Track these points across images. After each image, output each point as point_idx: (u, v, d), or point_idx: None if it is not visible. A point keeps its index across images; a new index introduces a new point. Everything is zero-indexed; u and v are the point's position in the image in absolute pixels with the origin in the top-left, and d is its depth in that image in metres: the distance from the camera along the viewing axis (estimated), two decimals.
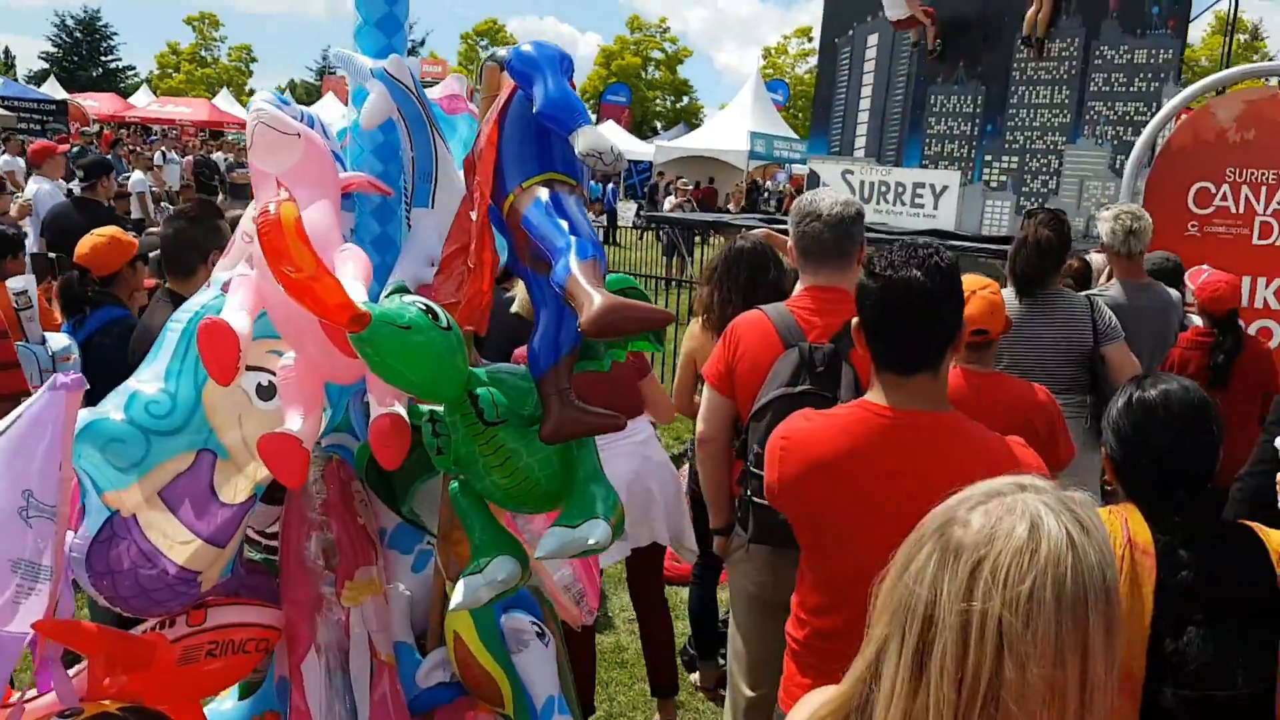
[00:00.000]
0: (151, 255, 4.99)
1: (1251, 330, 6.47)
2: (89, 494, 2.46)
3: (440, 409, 2.46)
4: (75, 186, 8.37)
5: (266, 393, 2.54)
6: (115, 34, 66.49)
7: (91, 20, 65.02)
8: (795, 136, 30.40)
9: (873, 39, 15.17)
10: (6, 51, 62.39)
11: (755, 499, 3.30)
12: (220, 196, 16.11)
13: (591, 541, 2.30)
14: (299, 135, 2.56)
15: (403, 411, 2.47)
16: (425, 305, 2.26)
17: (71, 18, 64.91)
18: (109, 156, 17.77)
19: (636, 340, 2.58)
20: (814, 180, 13.96)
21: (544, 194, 2.36)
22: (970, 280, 3.67)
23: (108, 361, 4.23)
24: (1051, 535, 1.25)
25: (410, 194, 2.84)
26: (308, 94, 54.28)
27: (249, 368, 2.50)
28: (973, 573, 1.26)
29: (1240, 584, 2.38)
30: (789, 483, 2.62)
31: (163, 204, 15.40)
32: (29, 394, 4.09)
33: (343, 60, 2.83)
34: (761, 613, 3.70)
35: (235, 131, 34.94)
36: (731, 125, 28.56)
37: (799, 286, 3.77)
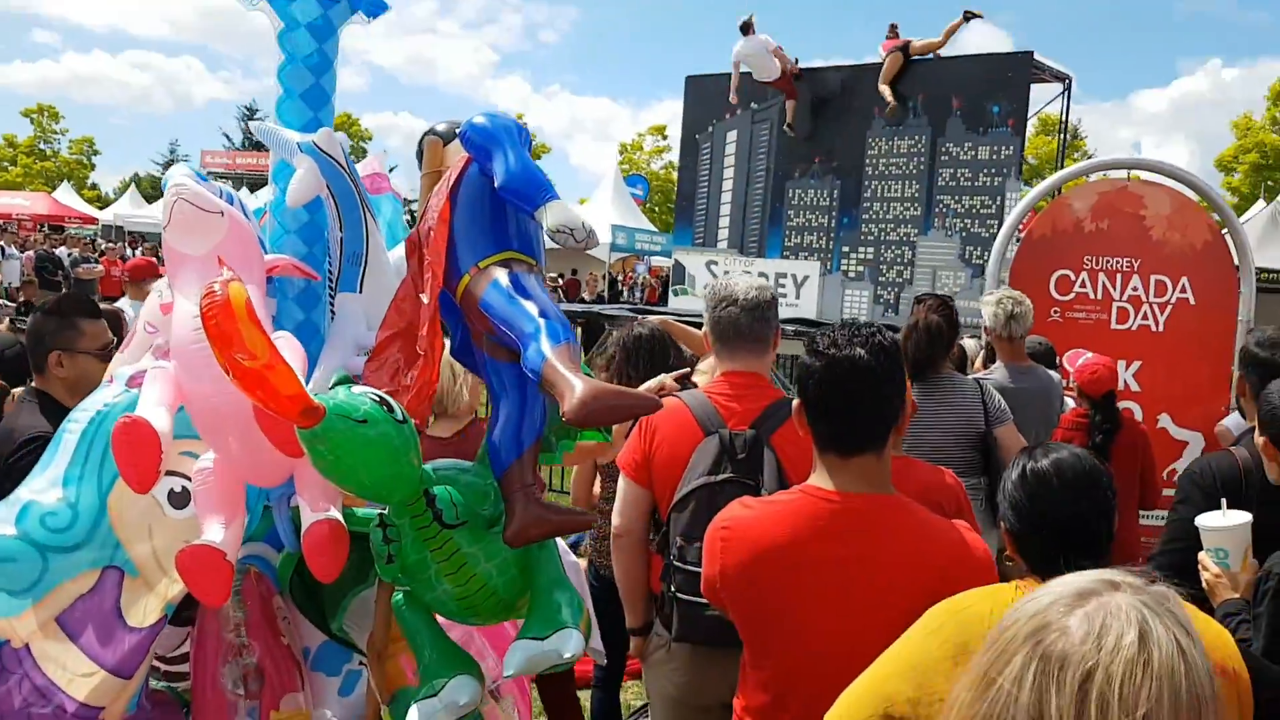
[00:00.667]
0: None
1: None
2: None
3: (387, 511, 2.24)
4: None
5: (180, 500, 2.29)
6: None
7: None
8: (654, 229, 30.91)
9: (732, 135, 15.64)
10: None
11: (680, 594, 3.16)
12: (64, 292, 15.30)
13: (567, 654, 2.13)
14: (222, 213, 2.36)
15: (339, 517, 2.25)
16: (378, 397, 2.08)
17: None
18: None
19: (585, 430, 2.43)
20: (679, 271, 14.17)
21: (503, 275, 2.22)
22: None
23: None
24: (1162, 644, 1.17)
25: (336, 278, 2.65)
26: (153, 187, 52.62)
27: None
28: (1083, 685, 1.16)
29: None
30: (733, 574, 2.49)
31: (2, 301, 14.52)
32: None
33: (266, 134, 2.64)
34: (685, 717, 3.53)
35: (77, 225, 33.47)
36: (592, 219, 28.75)
37: (716, 372, 3.70)
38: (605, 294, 26.40)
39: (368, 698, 2.63)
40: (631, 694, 5.77)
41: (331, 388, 2.16)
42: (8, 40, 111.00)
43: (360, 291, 2.64)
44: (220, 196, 2.44)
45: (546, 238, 2.27)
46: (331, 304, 2.69)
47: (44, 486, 2.27)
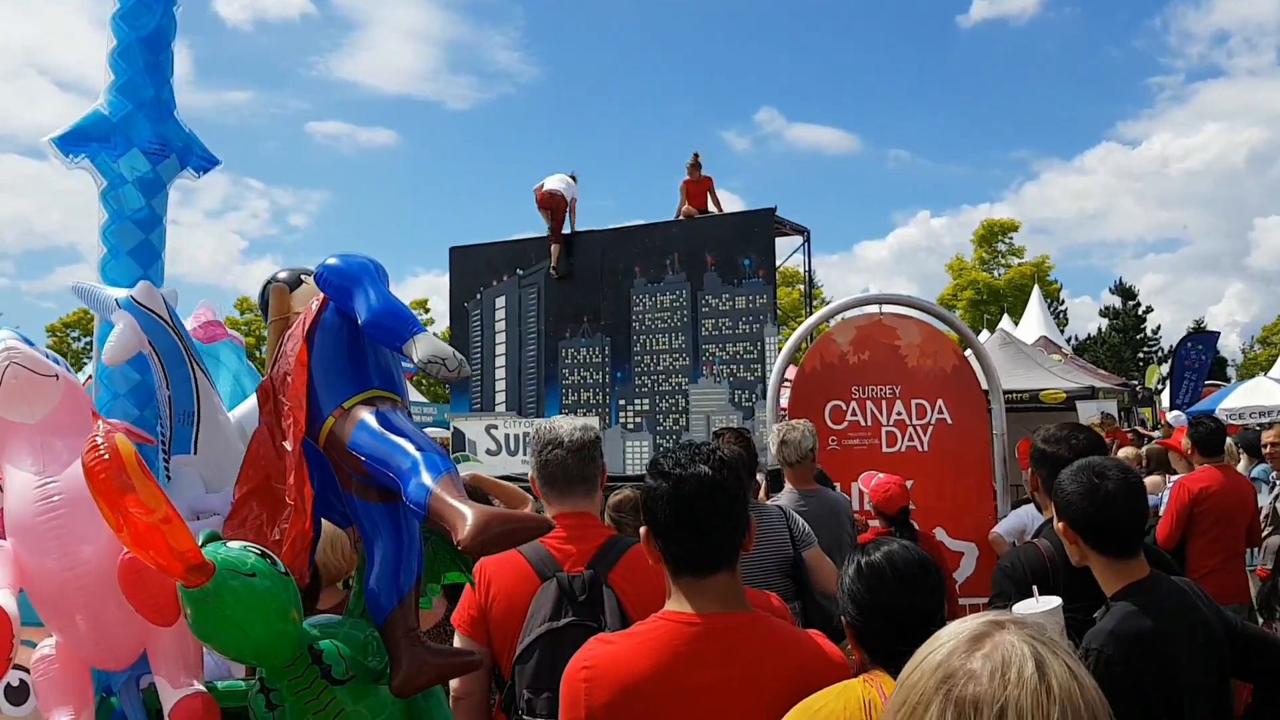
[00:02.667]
0: None
1: None
2: None
3: (263, 676, 2.10)
4: None
5: (18, 695, 2.06)
6: None
7: None
8: (425, 400, 30.57)
9: (500, 300, 15.91)
10: None
11: None
12: None
13: None
14: (57, 376, 2.22)
15: (205, 690, 2.08)
16: (259, 550, 1.99)
17: None
18: None
19: (451, 572, 2.37)
20: (459, 438, 14.12)
21: (369, 414, 2.18)
22: None
23: None
24: (1057, 671, 1.28)
25: (169, 441, 2.52)
26: None
27: None
28: None
29: None
30: (600, 715, 2.43)
31: None
32: None
33: (83, 293, 2.52)
34: None
35: None
36: None
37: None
38: None
39: None
40: None
41: (201, 545, 2.03)
42: None
43: (195, 452, 2.52)
44: (54, 363, 2.30)
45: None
46: (166, 469, 2.55)
47: None
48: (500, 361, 15.87)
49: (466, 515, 1.89)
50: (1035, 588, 3.45)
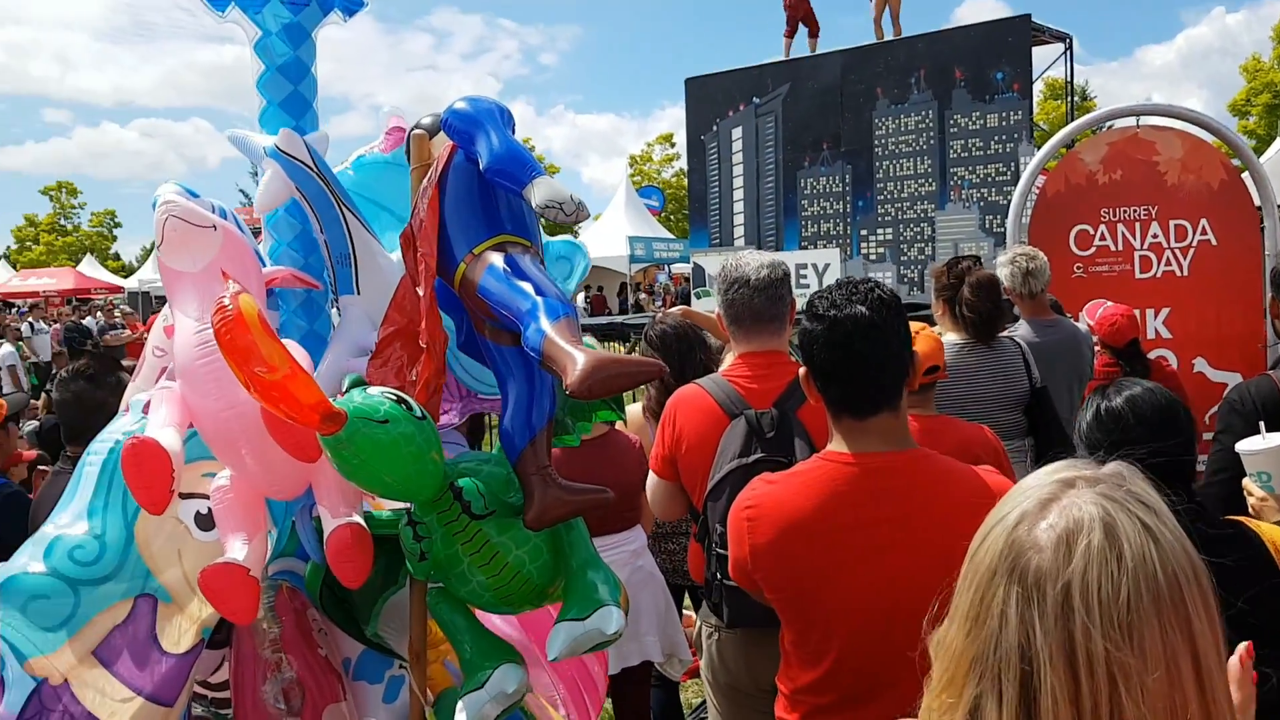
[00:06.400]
0: (28, 428, 4.62)
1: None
2: (7, 664, 2.14)
3: (415, 509, 2.22)
4: None
5: (206, 522, 2.26)
6: None
7: None
8: (672, 236, 30.87)
9: (736, 132, 15.62)
10: None
11: (727, 581, 3.11)
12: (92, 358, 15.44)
13: (610, 632, 2.10)
14: (214, 227, 2.34)
15: (361, 521, 2.22)
16: (396, 396, 2.06)
17: None
18: None
19: (600, 410, 2.40)
20: (699, 274, 14.15)
21: (498, 258, 2.19)
22: None
23: None
24: (1129, 533, 1.13)
25: (333, 282, 2.64)
26: None
27: (183, 495, 2.23)
28: (1064, 602, 1.12)
29: (1245, 576, 2.30)
30: (763, 553, 2.43)
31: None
32: None
33: (238, 142, 2.63)
34: (742, 703, 3.47)
35: (103, 296, 33.89)
36: (608, 233, 28.89)
37: (732, 355, 3.65)
38: (628, 305, 26.37)
39: (411, 702, 2.61)
40: (691, 692, 5.71)
41: (345, 391, 2.14)
42: (21, 123, 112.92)
43: (357, 292, 2.62)
44: (214, 212, 2.43)
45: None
46: (335, 308, 2.68)
47: (69, 520, 2.26)
48: (738, 195, 15.72)
49: (576, 359, 1.88)
50: (1263, 423, 3.15)
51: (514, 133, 2.26)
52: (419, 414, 2.09)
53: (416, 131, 2.38)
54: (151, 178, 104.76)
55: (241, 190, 61.43)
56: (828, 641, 2.40)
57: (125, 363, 6.65)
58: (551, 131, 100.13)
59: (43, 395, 10.46)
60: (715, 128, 15.91)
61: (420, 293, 2.25)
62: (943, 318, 5.04)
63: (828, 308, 2.36)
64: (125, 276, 41.97)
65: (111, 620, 2.19)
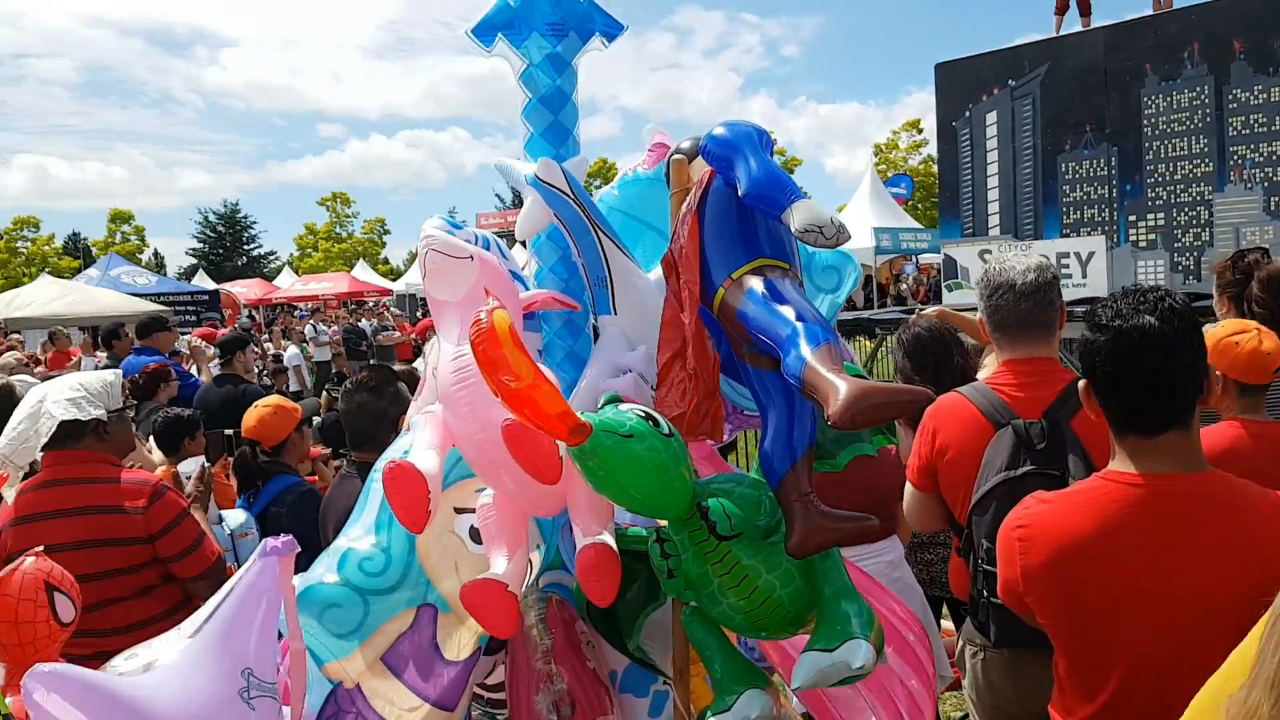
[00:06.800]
0: (315, 421, 4.97)
1: None
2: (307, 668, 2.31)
3: (665, 527, 2.25)
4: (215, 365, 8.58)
5: (480, 536, 2.37)
6: (255, 223, 70.84)
7: (232, 213, 69.41)
8: (919, 226, 29.97)
9: (991, 116, 14.96)
10: (156, 254, 66.58)
11: (994, 599, 2.97)
12: (369, 361, 16.63)
13: (856, 666, 2.04)
14: (471, 257, 2.46)
15: (610, 540, 2.25)
16: (644, 412, 2.10)
17: (213, 213, 69.46)
18: (247, 332, 18.75)
19: (876, 435, 2.35)
20: (950, 265, 13.67)
21: (757, 283, 2.19)
22: (1234, 324, 3.37)
23: (284, 530, 4.16)
24: None
25: (592, 304, 2.72)
26: None
27: (459, 510, 2.36)
28: None
29: None
30: (1038, 575, 2.29)
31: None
32: None
33: (503, 170, 2.75)
34: None
35: (375, 298, 36.38)
36: (852, 225, 28.34)
37: (995, 362, 3.48)
38: (874, 299, 25.84)
39: (675, 717, 2.65)
40: (950, 705, 5.53)
41: (600, 407, 2.20)
42: (300, 138, 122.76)
43: (614, 312, 2.68)
44: (475, 242, 2.55)
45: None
46: (595, 329, 2.76)
47: (359, 534, 2.43)
48: (992, 182, 15.08)
49: (839, 389, 1.84)
50: None
51: (772, 155, 2.24)
52: (666, 431, 2.11)
53: (676, 157, 2.42)
54: (416, 185, 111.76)
55: (497, 195, 64.53)
56: (1105, 672, 2.26)
57: (398, 367, 7.10)
58: (793, 124, 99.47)
59: (323, 394, 11.25)
60: (968, 113, 15.32)
61: (685, 319, 2.27)
62: (1227, 316, 4.63)
63: (1112, 317, 2.22)
64: (394, 280, 44.85)
65: (398, 628, 2.34)
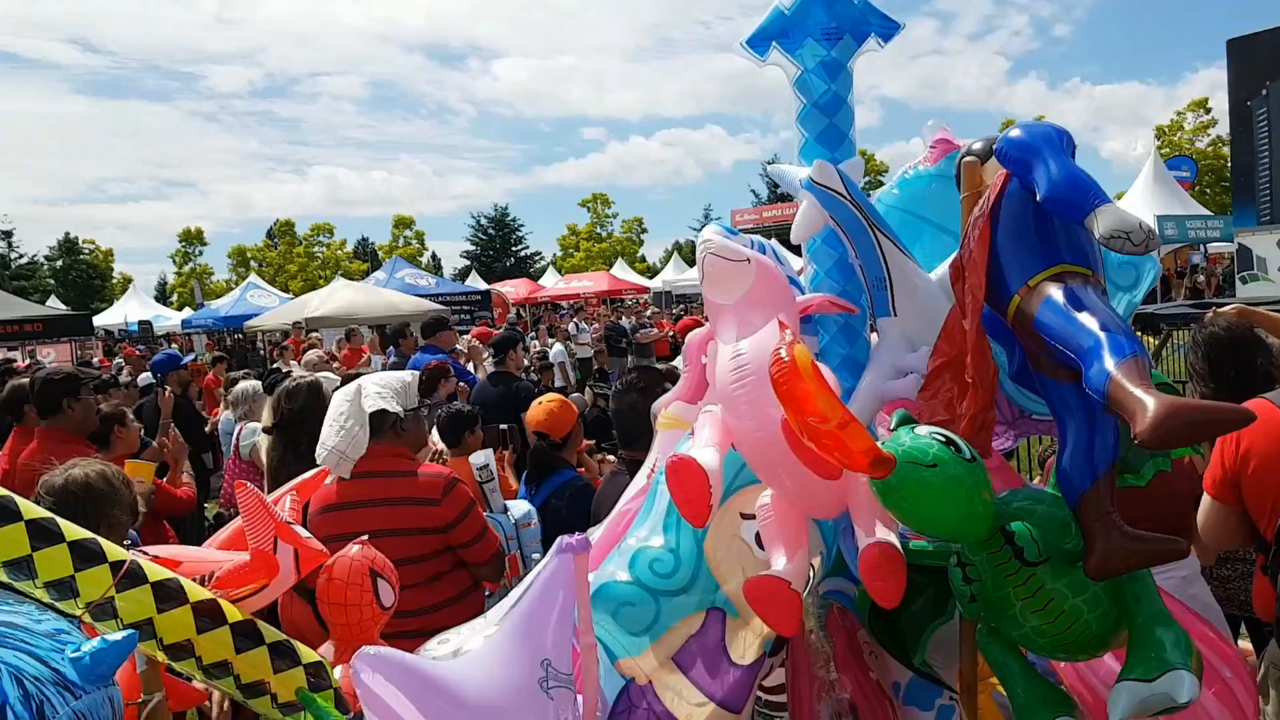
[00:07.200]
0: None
1: None
2: (600, 663, 2.40)
3: (963, 549, 2.20)
4: (489, 363, 9.02)
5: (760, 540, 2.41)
6: (522, 225, 74.11)
7: (502, 216, 72.91)
8: (1209, 213, 27.66)
9: None
10: (434, 256, 70.97)
11: None
12: (628, 357, 17.08)
13: (1183, 700, 1.94)
14: (748, 261, 2.50)
15: (893, 539, 2.21)
16: (944, 437, 2.06)
17: (485, 217, 73.23)
18: (516, 330, 19.62)
19: (1177, 449, 2.21)
20: (1245, 255, 12.62)
21: (1056, 291, 2.10)
22: None
23: (563, 523, 4.36)
24: None
25: (870, 305, 2.69)
26: (691, 251, 57.36)
27: (745, 516, 2.40)
28: None
29: None
30: None
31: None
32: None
33: (777, 175, 2.78)
34: None
35: (633, 295, 37.34)
36: (1133, 212, 26.56)
37: None
38: (1158, 291, 24.07)
39: None
40: None
41: (893, 428, 2.18)
42: (564, 142, 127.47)
43: (894, 314, 2.65)
44: (751, 247, 2.58)
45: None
46: (873, 331, 2.73)
47: (647, 534, 2.51)
48: None
49: (1147, 405, 1.73)
50: None
51: (1074, 157, 2.15)
52: (968, 455, 2.06)
53: (968, 159, 2.36)
54: (673, 183, 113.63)
55: (752, 191, 64.73)
56: None
57: (659, 366, 7.26)
58: (1065, 106, 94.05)
59: (586, 389, 11.62)
60: (1265, 91, 14.04)
61: (966, 326, 2.21)
62: None
63: None
64: (650, 277, 45.86)
65: (687, 630, 2.40)
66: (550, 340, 18.84)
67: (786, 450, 2.16)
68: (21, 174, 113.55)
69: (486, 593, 4.18)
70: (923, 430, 2.11)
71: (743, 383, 2.32)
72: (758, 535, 2.40)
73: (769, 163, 63.35)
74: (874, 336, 2.88)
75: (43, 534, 2.18)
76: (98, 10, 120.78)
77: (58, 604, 2.17)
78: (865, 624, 2.61)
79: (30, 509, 2.20)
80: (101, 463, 3.30)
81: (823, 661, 2.53)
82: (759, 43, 2.83)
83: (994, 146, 2.30)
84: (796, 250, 3.07)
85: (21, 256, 62.59)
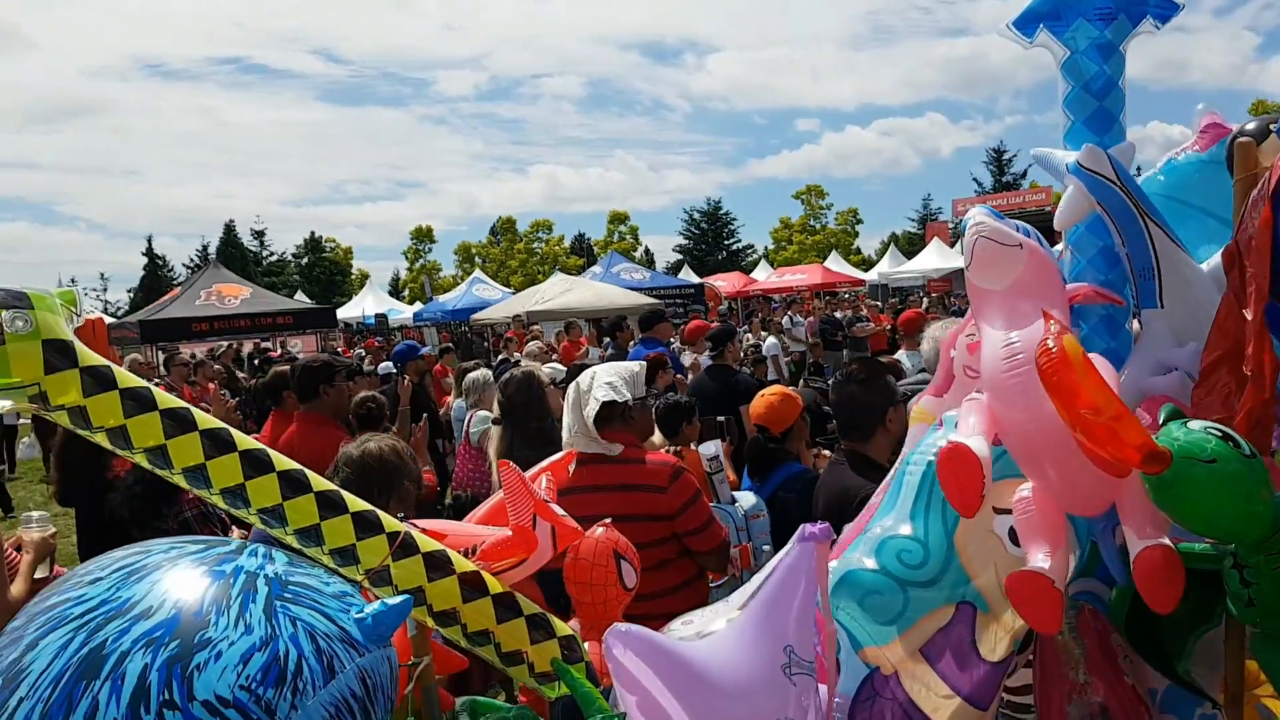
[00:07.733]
0: None
1: None
2: (842, 650, 2.41)
3: (1240, 550, 2.08)
4: (706, 356, 9.10)
5: (1015, 535, 2.34)
6: (734, 219, 74.14)
7: (714, 210, 73.19)
8: None
9: None
10: (647, 250, 71.91)
11: None
12: (843, 351, 16.84)
13: None
14: (1020, 246, 2.42)
15: (1170, 543, 2.12)
16: (1221, 432, 1.95)
17: (698, 211, 73.69)
18: (724, 320, 19.54)
19: None
20: None
21: None
22: None
23: (791, 516, 4.35)
24: None
25: (1135, 296, 2.57)
26: (909, 243, 55.97)
27: (998, 510, 2.34)
28: None
29: None
30: None
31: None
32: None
33: (1040, 159, 2.68)
34: None
35: (847, 289, 36.79)
36: None
37: None
38: None
39: None
40: None
41: (1162, 423, 2.08)
42: (777, 134, 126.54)
43: (1161, 306, 2.52)
44: (1019, 232, 2.50)
45: None
46: (1138, 323, 2.61)
47: (893, 523, 2.49)
48: None
49: None
50: None
51: None
52: (1247, 451, 1.95)
53: (1242, 139, 2.22)
54: (889, 173, 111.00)
55: (974, 179, 62.44)
56: None
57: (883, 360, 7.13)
58: None
59: (800, 383, 11.56)
60: None
61: (1247, 315, 2.08)
62: None
63: None
64: (865, 270, 44.99)
65: (935, 624, 2.37)
66: (763, 334, 18.78)
67: (1056, 443, 2.09)
68: (273, 177, 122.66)
69: (712, 583, 4.23)
70: (1196, 425, 2.00)
71: (1016, 372, 2.27)
72: (1011, 530, 2.34)
73: (998, 154, 60.84)
74: (1135, 326, 2.75)
75: (330, 505, 2.36)
76: (338, 22, 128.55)
77: (340, 569, 2.35)
78: (1119, 627, 2.50)
79: (319, 481, 2.38)
80: (391, 438, 3.51)
81: (1072, 664, 2.44)
82: (1026, 24, 2.75)
83: (1271, 125, 2.16)
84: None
85: (272, 255, 67.85)
